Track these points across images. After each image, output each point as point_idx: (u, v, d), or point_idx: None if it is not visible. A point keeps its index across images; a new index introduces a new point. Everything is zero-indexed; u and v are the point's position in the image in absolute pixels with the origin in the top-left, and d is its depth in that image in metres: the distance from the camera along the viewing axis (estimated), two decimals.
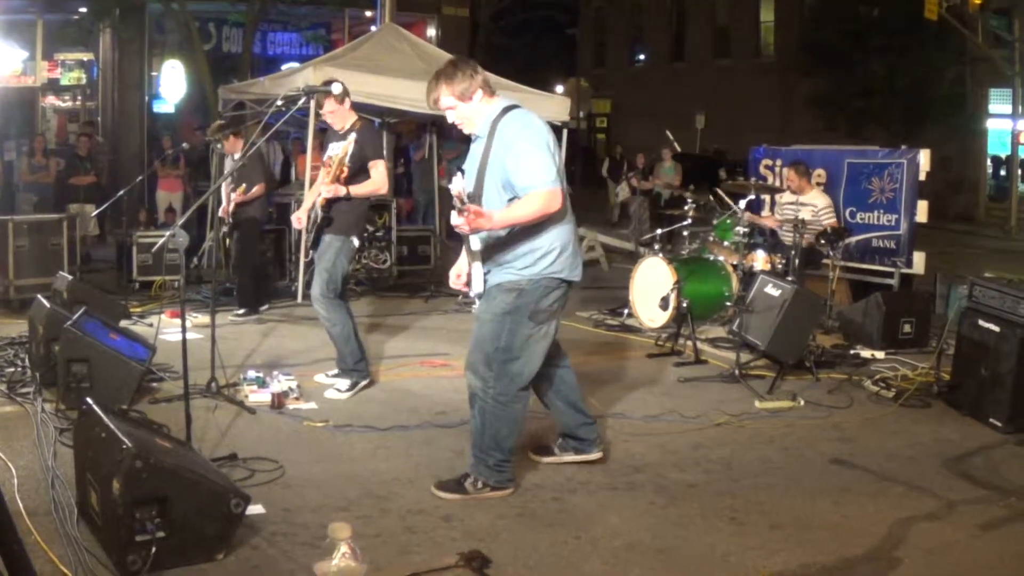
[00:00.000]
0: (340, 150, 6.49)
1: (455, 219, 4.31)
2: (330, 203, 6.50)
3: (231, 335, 8.11)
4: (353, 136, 6.49)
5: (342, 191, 6.43)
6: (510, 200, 4.49)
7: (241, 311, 9.22)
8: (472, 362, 4.70)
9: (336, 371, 6.74)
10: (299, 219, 6.86)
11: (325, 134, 6.91)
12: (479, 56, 28.90)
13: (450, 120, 4.72)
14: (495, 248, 4.61)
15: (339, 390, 6.51)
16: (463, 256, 4.88)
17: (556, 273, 4.62)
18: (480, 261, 4.62)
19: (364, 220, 6.88)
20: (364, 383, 6.61)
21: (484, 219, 4.32)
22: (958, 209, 25.12)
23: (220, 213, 9.44)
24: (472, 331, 4.76)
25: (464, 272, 4.85)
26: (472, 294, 4.73)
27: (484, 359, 4.64)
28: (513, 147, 4.46)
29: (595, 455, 5.18)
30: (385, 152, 6.68)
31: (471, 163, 4.69)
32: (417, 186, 15.48)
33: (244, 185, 8.95)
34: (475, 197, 4.53)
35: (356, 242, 6.62)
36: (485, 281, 4.65)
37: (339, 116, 6.64)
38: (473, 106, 4.62)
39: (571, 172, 14.12)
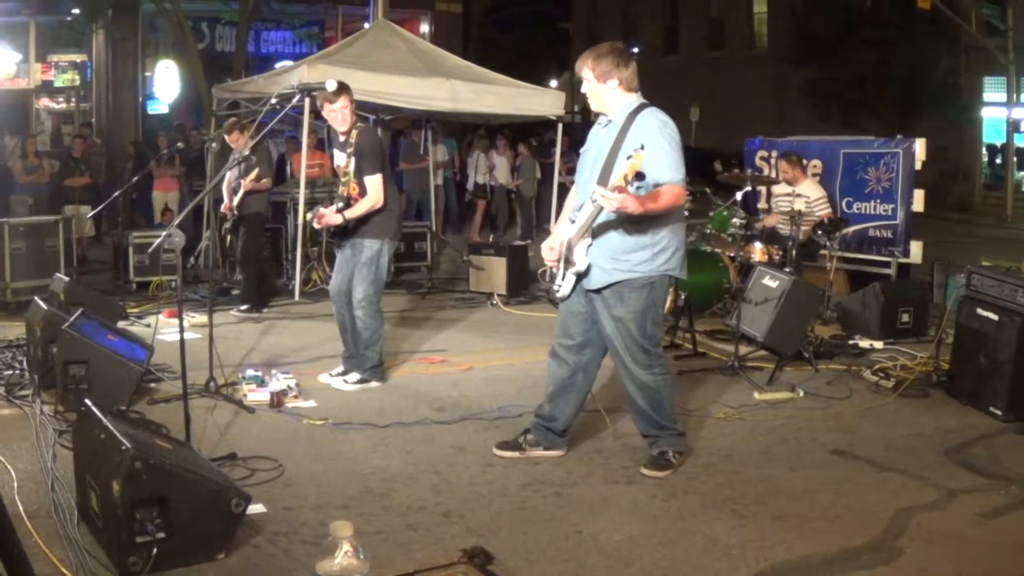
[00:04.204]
0: (345, 162, 6.46)
1: (603, 191, 4.47)
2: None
3: (229, 334, 8.10)
4: (351, 150, 6.44)
5: (337, 220, 6.38)
6: (637, 189, 4.63)
7: (244, 307, 9.21)
8: (631, 362, 4.94)
9: (340, 369, 6.75)
10: (321, 215, 6.52)
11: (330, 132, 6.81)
12: (472, 51, 28.87)
13: (582, 89, 4.96)
14: (612, 237, 4.80)
15: (347, 381, 6.59)
16: (559, 230, 5.07)
17: (671, 271, 4.91)
18: (591, 239, 4.81)
19: (400, 219, 6.82)
20: (375, 384, 6.63)
21: (632, 202, 4.50)
22: (954, 198, 25.09)
23: (222, 209, 9.36)
24: (608, 334, 4.93)
25: (558, 246, 4.99)
26: (572, 270, 4.88)
27: (641, 351, 4.93)
28: (653, 140, 4.65)
29: (561, 452, 5.27)
30: (383, 155, 6.58)
31: (599, 146, 4.91)
32: (408, 184, 15.46)
33: (257, 170, 8.79)
34: (602, 180, 4.70)
35: (392, 243, 6.59)
36: (589, 267, 4.83)
37: (343, 117, 6.45)
38: (604, 89, 4.86)
39: (567, 168, 14.09)
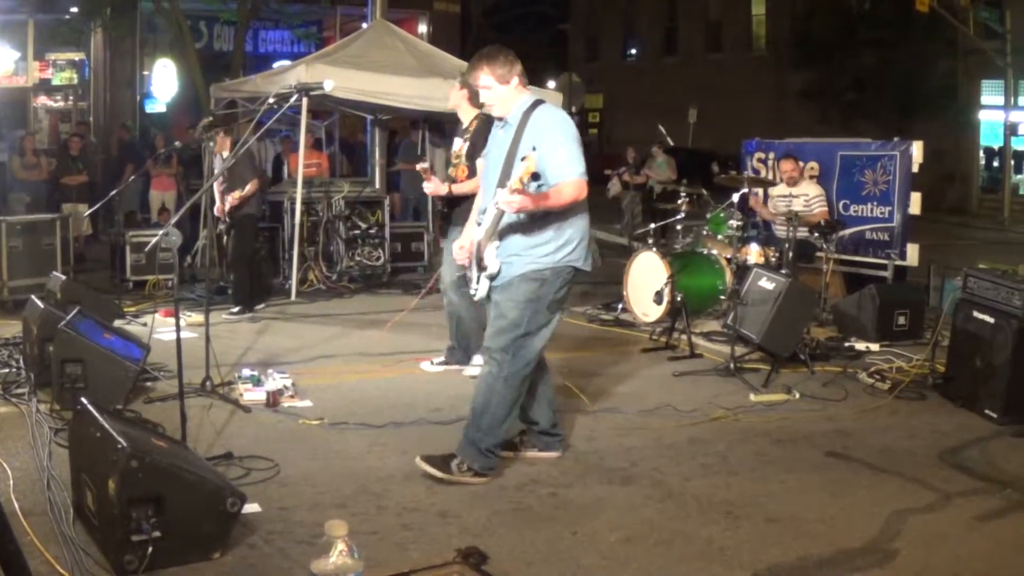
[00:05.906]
0: (458, 147, 6.83)
1: (504, 195, 4.47)
2: (453, 199, 6.77)
3: (225, 333, 8.09)
4: (468, 135, 6.76)
5: (443, 190, 6.71)
6: (538, 187, 4.63)
7: (236, 309, 9.20)
8: (490, 347, 4.86)
9: (442, 359, 6.98)
10: (437, 188, 6.81)
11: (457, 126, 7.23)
12: (470, 52, 28.84)
13: (482, 99, 4.96)
14: (516, 234, 4.77)
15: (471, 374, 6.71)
16: (470, 231, 5.08)
17: (573, 262, 4.84)
18: (499, 240, 4.78)
19: None
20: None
21: (526, 200, 4.49)
22: (951, 201, 25.15)
23: (215, 212, 9.42)
24: (489, 317, 4.91)
25: (469, 246, 4.99)
26: (485, 274, 4.86)
27: (503, 344, 4.80)
28: (548, 138, 4.65)
29: (557, 453, 5.25)
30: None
31: (498, 147, 4.91)
32: (405, 184, 15.42)
33: (238, 192, 8.94)
34: (503, 182, 4.68)
35: None
36: (501, 265, 4.80)
37: (461, 108, 6.89)
38: (508, 91, 4.84)
39: None
